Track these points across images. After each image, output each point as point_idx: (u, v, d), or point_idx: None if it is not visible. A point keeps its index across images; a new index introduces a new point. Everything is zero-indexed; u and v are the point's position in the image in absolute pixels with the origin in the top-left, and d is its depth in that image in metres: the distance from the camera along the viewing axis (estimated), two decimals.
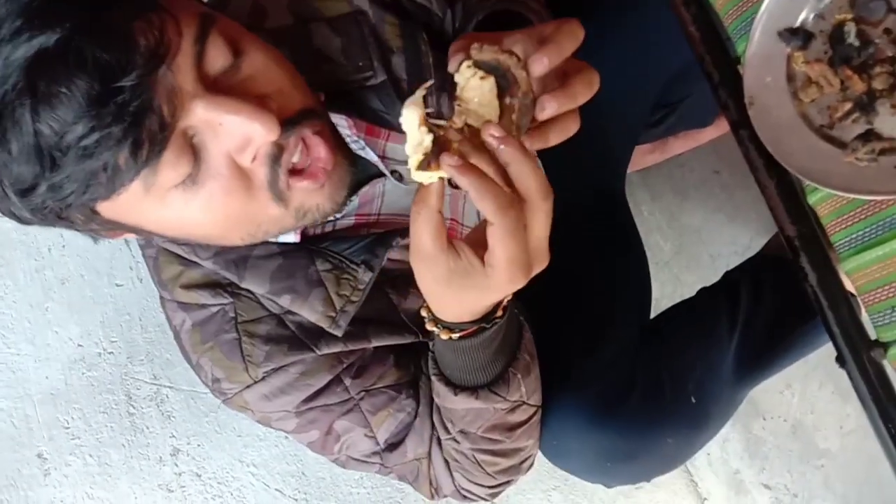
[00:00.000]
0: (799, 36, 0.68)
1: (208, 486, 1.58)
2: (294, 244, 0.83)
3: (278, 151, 0.67)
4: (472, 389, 0.80)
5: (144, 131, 0.58)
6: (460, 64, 0.63)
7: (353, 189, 0.83)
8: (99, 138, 0.57)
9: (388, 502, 1.64)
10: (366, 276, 0.82)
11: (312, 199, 0.72)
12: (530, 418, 0.88)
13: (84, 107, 0.55)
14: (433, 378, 0.83)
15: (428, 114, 0.61)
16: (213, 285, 0.84)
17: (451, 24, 0.94)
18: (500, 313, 0.73)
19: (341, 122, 0.81)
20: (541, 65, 0.61)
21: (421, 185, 0.63)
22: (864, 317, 0.70)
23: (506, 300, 0.74)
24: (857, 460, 1.54)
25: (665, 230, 1.72)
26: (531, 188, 0.60)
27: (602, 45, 0.96)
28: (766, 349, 1.01)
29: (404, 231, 0.85)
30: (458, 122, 0.64)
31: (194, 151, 0.64)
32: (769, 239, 1.55)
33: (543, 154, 1.10)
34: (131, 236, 0.75)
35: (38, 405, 1.58)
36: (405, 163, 0.87)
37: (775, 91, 0.70)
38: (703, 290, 1.14)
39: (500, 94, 0.63)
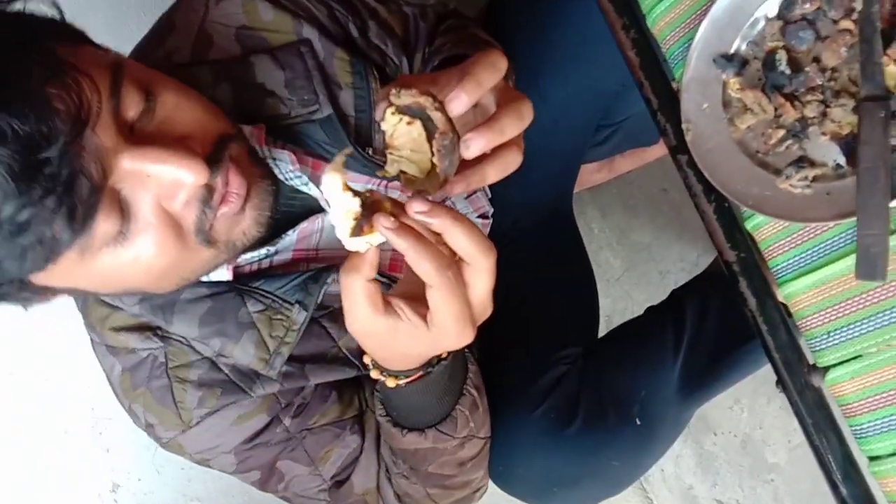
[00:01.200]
0: (734, 62, 0.68)
1: None
2: (225, 284, 0.81)
3: (208, 193, 0.66)
4: (421, 430, 0.79)
5: (77, 197, 0.56)
6: (385, 111, 0.60)
7: (292, 223, 0.82)
8: (32, 214, 0.54)
9: None
10: (300, 317, 0.81)
11: (237, 227, 0.70)
12: (480, 451, 0.87)
13: (11, 183, 0.52)
14: (380, 419, 0.82)
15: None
16: (143, 328, 0.82)
17: (407, 72, 0.93)
18: (444, 355, 0.73)
19: (284, 157, 0.79)
20: (459, 102, 0.58)
21: (350, 251, 0.60)
22: (803, 341, 0.70)
23: (443, 355, 0.73)
24: (805, 474, 1.56)
25: (615, 247, 1.73)
26: (469, 250, 0.58)
27: (544, 67, 0.96)
28: (711, 368, 1.02)
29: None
30: (391, 171, 0.62)
31: (121, 206, 0.61)
32: (716, 256, 1.58)
33: None
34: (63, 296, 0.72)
35: None
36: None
37: (712, 117, 0.70)
38: (649, 310, 1.14)
39: (430, 138, 0.61)
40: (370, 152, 0.85)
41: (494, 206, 1.10)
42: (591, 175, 1.58)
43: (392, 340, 0.63)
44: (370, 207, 0.59)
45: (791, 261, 0.68)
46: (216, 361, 0.82)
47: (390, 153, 0.62)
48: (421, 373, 0.71)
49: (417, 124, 0.60)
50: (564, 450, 0.94)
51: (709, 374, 1.02)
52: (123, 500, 1.52)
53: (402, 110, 0.60)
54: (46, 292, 0.66)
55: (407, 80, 0.62)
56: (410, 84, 0.60)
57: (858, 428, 0.65)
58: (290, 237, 0.82)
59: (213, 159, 0.65)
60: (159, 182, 0.62)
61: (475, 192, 1.10)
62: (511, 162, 0.63)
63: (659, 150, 1.56)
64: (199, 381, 0.81)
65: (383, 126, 0.62)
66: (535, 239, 1.15)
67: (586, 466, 0.96)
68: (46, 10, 0.65)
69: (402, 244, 0.57)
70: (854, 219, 0.61)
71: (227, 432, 0.83)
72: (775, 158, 0.67)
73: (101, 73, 0.60)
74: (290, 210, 0.83)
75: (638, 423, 0.95)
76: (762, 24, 0.67)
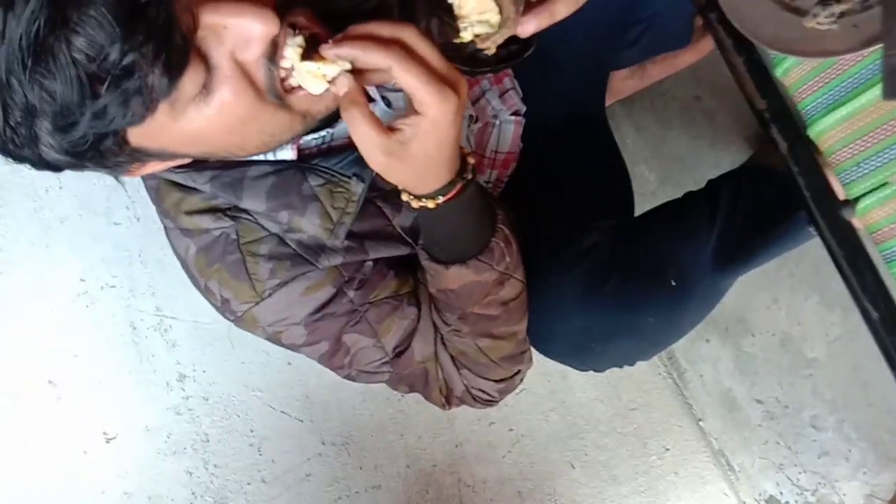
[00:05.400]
0: None
1: (216, 409, 1.63)
2: (287, 163, 0.86)
3: (273, 50, 0.68)
4: (462, 261, 0.85)
5: (172, 45, 0.60)
6: None
7: None
8: (134, 59, 0.57)
9: (390, 422, 1.70)
10: (358, 188, 0.86)
11: (317, 104, 0.73)
12: (519, 294, 0.92)
13: (117, 28, 0.56)
14: (425, 263, 0.87)
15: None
16: (214, 210, 0.87)
17: None
18: (469, 174, 0.78)
19: None
20: None
21: (339, 95, 0.68)
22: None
23: (471, 164, 0.78)
24: (843, 366, 1.59)
25: (650, 161, 1.75)
26: (389, 31, 0.65)
27: None
28: (745, 241, 1.04)
29: None
30: (466, 37, 0.68)
31: (204, 60, 0.64)
32: (751, 154, 1.59)
33: (520, 77, 1.14)
34: (157, 166, 0.76)
35: (44, 335, 1.62)
36: (396, 90, 0.91)
37: None
38: (687, 193, 1.17)
39: None
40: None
41: (527, 104, 1.13)
42: (622, 82, 1.59)
43: (409, 151, 0.69)
44: (312, 43, 0.67)
45: (819, 100, 0.71)
46: (283, 237, 0.87)
47: (461, 22, 0.68)
48: (457, 187, 0.77)
49: None
50: (600, 305, 0.98)
51: (743, 245, 1.04)
52: (189, 389, 1.63)
53: None
54: (140, 155, 0.70)
55: None
56: None
57: (889, 252, 0.68)
58: (344, 124, 0.86)
59: (280, 10, 0.68)
60: (235, 34, 0.64)
61: (508, 90, 1.14)
62: None
63: (689, 56, 1.57)
64: (269, 255, 0.87)
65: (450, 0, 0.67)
66: (570, 134, 1.18)
67: (622, 321, 1.00)
68: None
69: (346, 52, 0.65)
70: (880, 46, 0.63)
71: (296, 303, 0.89)
72: (803, 2, 0.69)
73: None
74: None
75: (673, 284, 0.99)
76: None
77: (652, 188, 1.77)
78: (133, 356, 1.60)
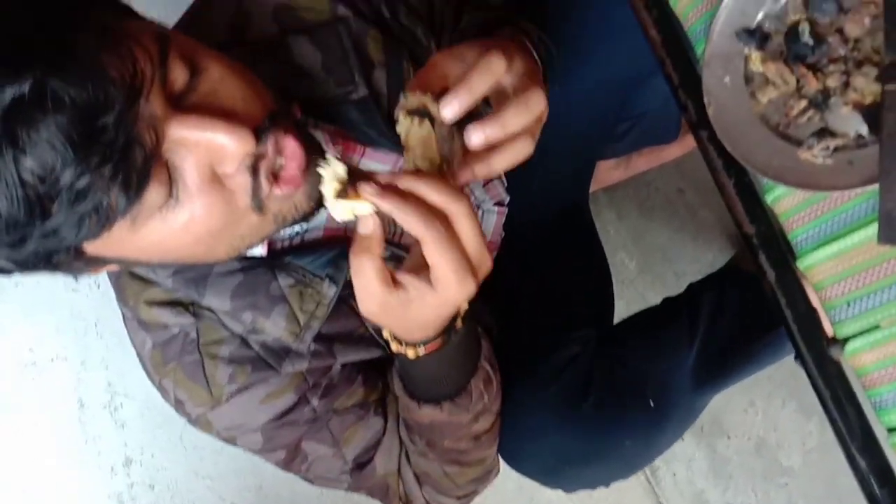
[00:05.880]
0: (756, 36, 0.69)
1: (161, 498, 1.55)
2: (257, 259, 0.82)
3: (255, 161, 0.66)
4: (437, 402, 0.80)
5: (132, 165, 0.57)
6: (398, 115, 0.65)
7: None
8: (90, 181, 0.55)
9: None
10: (330, 291, 0.82)
11: (290, 201, 0.70)
12: (493, 425, 0.88)
13: (70, 151, 0.53)
14: (398, 392, 0.83)
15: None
16: (175, 304, 0.83)
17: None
18: (459, 324, 0.74)
19: (318, 137, 0.80)
20: (450, 109, 0.62)
21: (358, 233, 0.65)
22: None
23: (463, 310, 0.74)
24: (819, 477, 1.55)
25: (630, 249, 1.73)
26: (440, 200, 0.60)
27: (566, 48, 0.98)
28: (725, 358, 1.02)
29: None
30: (408, 167, 0.67)
31: (170, 174, 0.62)
32: (732, 255, 1.58)
33: None
34: (113, 268, 0.73)
35: None
36: None
37: (733, 91, 0.71)
38: (666, 300, 1.15)
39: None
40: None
41: (511, 194, 1.11)
42: (608, 172, 1.58)
43: (406, 312, 0.65)
44: (354, 177, 0.65)
45: (811, 232, 0.68)
46: (247, 339, 0.83)
47: (406, 153, 0.67)
48: (439, 341, 0.72)
49: (426, 124, 0.65)
50: (576, 427, 0.95)
51: (724, 363, 1.02)
52: (136, 475, 1.53)
53: (411, 112, 0.65)
54: (98, 262, 0.66)
55: (417, 79, 0.66)
56: (418, 84, 0.65)
57: (878, 399, 0.65)
58: (322, 214, 0.82)
59: (260, 129, 0.65)
60: (207, 148, 0.62)
61: (493, 179, 1.12)
62: (519, 153, 0.65)
63: (676, 150, 1.57)
64: (229, 358, 0.82)
65: (398, 129, 0.66)
66: (552, 227, 1.16)
67: (597, 444, 0.96)
68: None
69: (387, 205, 0.60)
70: (876, 186, 0.61)
71: (255, 410, 0.84)
72: (797, 130, 0.67)
73: (149, 43, 0.61)
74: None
75: (651, 405, 0.96)
76: None
77: (631, 277, 1.75)
78: (78, 436, 1.52)
